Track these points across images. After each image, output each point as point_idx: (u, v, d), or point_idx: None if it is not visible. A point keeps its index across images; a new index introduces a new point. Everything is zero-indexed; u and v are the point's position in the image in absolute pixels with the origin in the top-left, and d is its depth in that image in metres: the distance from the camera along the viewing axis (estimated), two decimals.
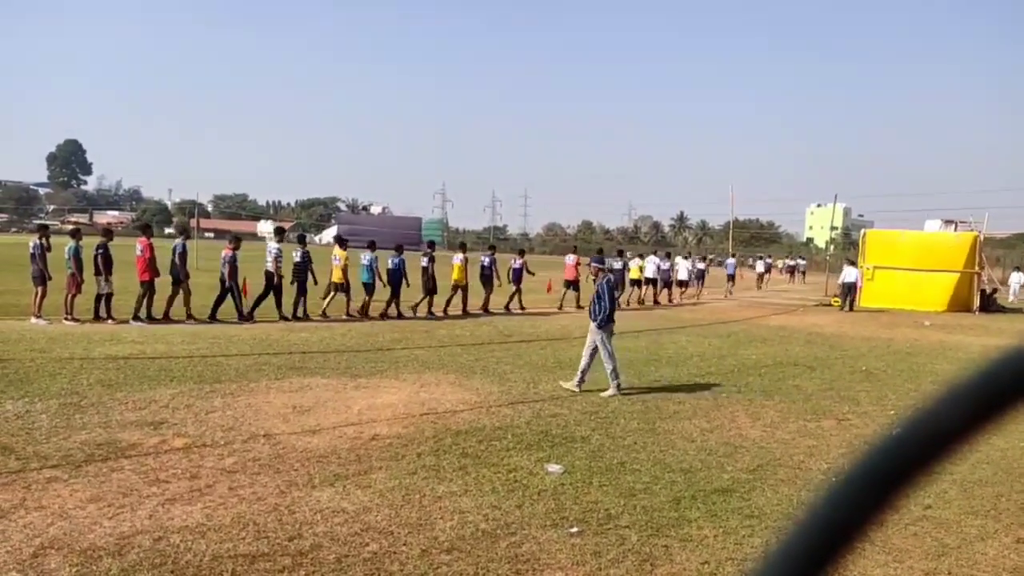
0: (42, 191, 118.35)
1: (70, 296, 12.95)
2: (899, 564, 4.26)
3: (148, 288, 13.44)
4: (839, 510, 0.39)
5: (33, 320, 12.63)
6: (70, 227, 14.02)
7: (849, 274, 24.61)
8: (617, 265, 20.98)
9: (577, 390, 8.65)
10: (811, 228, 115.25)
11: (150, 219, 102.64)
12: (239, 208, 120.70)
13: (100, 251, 13.14)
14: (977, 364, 0.37)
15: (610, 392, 8.54)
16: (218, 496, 4.90)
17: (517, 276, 18.83)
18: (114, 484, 5.04)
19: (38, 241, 13.09)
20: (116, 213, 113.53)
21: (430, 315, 16.60)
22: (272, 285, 14.68)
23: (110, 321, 13.06)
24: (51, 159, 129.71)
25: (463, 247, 18.00)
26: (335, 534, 4.37)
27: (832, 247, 51.55)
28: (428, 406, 7.75)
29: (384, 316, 15.80)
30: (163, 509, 4.63)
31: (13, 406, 6.92)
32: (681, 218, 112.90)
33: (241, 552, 4.07)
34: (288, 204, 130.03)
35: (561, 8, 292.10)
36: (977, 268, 25.06)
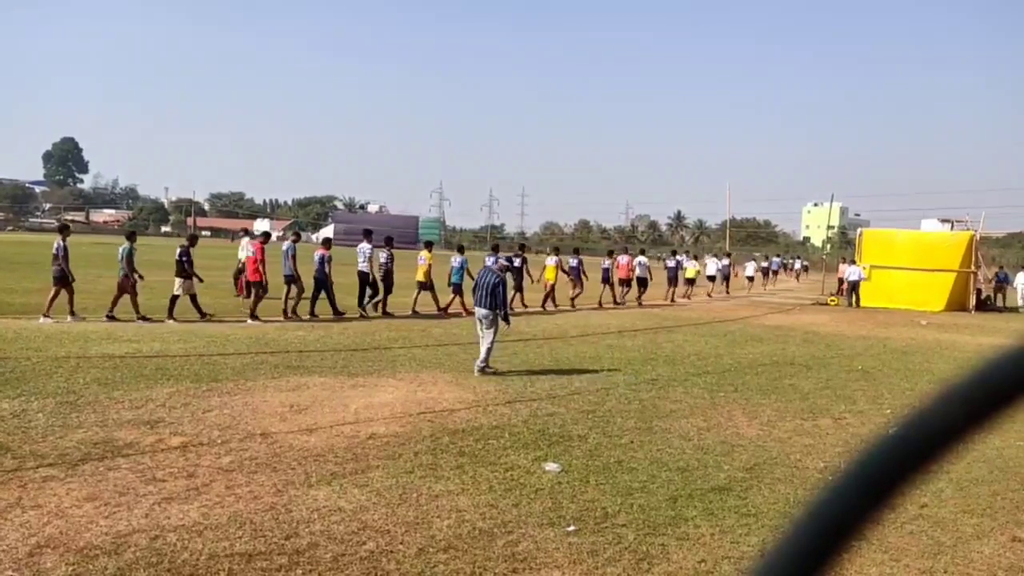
0: (38, 189, 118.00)
1: (132, 298, 13.07)
2: (895, 562, 4.27)
3: (259, 287, 14.02)
4: (836, 509, 0.39)
5: (41, 319, 12.39)
6: (125, 228, 14.69)
7: (852, 272, 25.00)
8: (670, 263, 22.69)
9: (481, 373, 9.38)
10: (808, 227, 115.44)
11: (154, 218, 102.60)
12: (236, 206, 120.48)
13: (185, 256, 13.62)
14: (973, 363, 0.37)
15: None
16: (215, 495, 4.89)
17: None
18: (110, 483, 5.03)
19: (61, 242, 13.08)
20: (113, 211, 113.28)
21: (385, 314, 15.71)
22: (366, 283, 15.69)
23: (170, 321, 13.13)
24: (47, 157, 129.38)
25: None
26: (332, 533, 4.37)
27: (829, 246, 51.77)
28: (425, 405, 7.75)
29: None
30: (160, 508, 4.62)
31: (9, 404, 6.91)
32: (678, 217, 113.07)
33: (238, 551, 4.06)
34: (285, 202, 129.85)
35: (558, 7, 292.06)
36: (973, 267, 25.13)
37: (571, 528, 4.58)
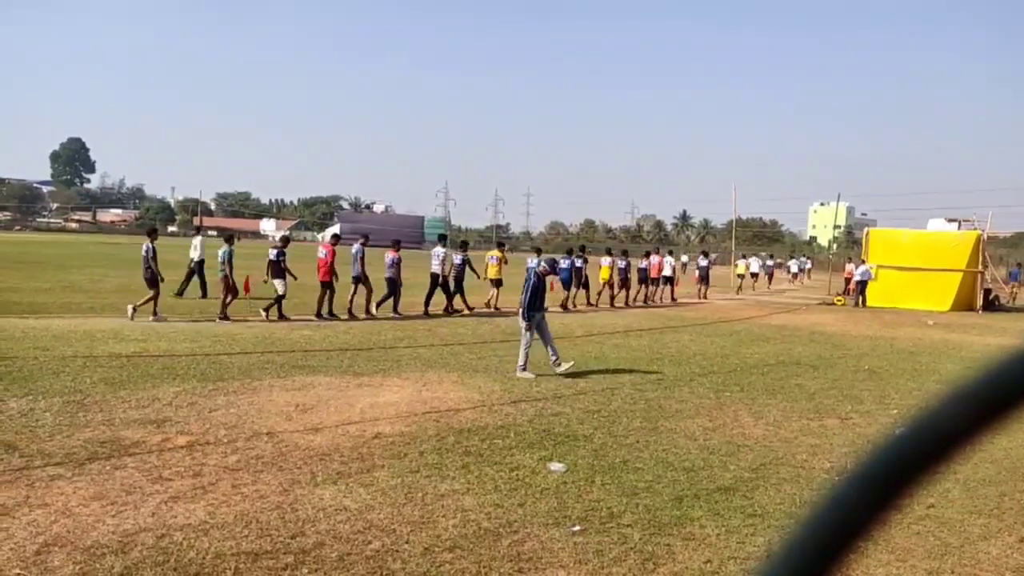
0: (45, 189, 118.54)
1: (228, 299, 13.57)
2: (902, 563, 4.25)
3: (328, 288, 14.53)
4: (842, 510, 0.39)
5: (151, 319, 12.89)
6: (227, 232, 15.89)
7: (860, 272, 25.02)
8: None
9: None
10: (814, 227, 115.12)
11: (153, 218, 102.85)
12: (242, 206, 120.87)
13: (281, 257, 14.21)
14: (981, 364, 0.37)
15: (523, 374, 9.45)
16: (221, 494, 4.91)
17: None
18: (117, 482, 5.05)
19: (151, 244, 13.45)
20: (119, 211, 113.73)
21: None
22: (436, 284, 16.59)
23: (282, 321, 13.82)
24: (54, 157, 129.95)
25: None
26: (337, 532, 4.38)
27: (835, 246, 51.50)
28: (431, 404, 7.75)
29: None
30: (166, 507, 4.64)
31: (17, 404, 6.94)
32: (684, 217, 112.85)
33: (244, 550, 4.07)
34: (291, 202, 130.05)
35: (563, 6, 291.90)
36: (981, 267, 25.02)
37: (576, 528, 4.58)
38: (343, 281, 15.05)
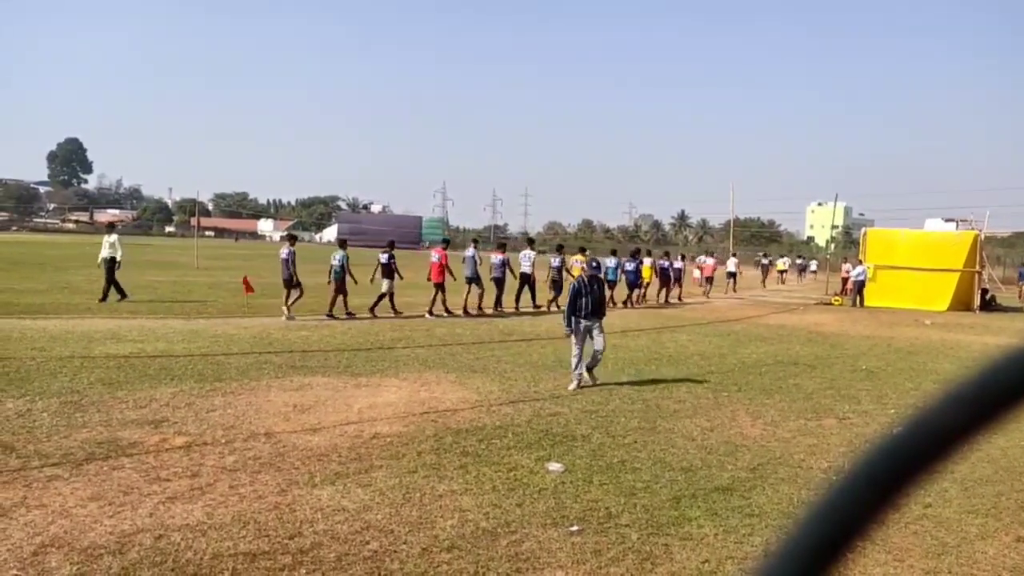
0: (43, 190, 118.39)
1: (341, 297, 14.86)
2: (900, 563, 4.26)
3: (440, 288, 16.20)
4: (840, 509, 0.39)
5: (284, 319, 13.96)
6: (341, 238, 17.04)
7: (859, 272, 25.02)
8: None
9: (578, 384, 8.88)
10: (812, 227, 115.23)
11: (157, 219, 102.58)
12: (239, 207, 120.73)
13: (391, 259, 15.73)
14: (979, 363, 0.37)
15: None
16: (219, 494, 4.90)
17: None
18: (115, 482, 5.04)
19: (291, 248, 14.73)
20: (117, 211, 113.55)
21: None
22: (526, 282, 18.16)
23: (397, 315, 15.47)
24: (52, 157, 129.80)
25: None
26: (335, 532, 4.37)
27: (833, 246, 51.54)
28: (428, 405, 7.75)
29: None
30: (164, 507, 4.63)
31: (14, 404, 6.93)
32: (682, 217, 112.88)
33: (242, 550, 4.07)
34: (288, 203, 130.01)
35: (561, 6, 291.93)
36: (978, 267, 25.06)
37: (574, 528, 4.58)
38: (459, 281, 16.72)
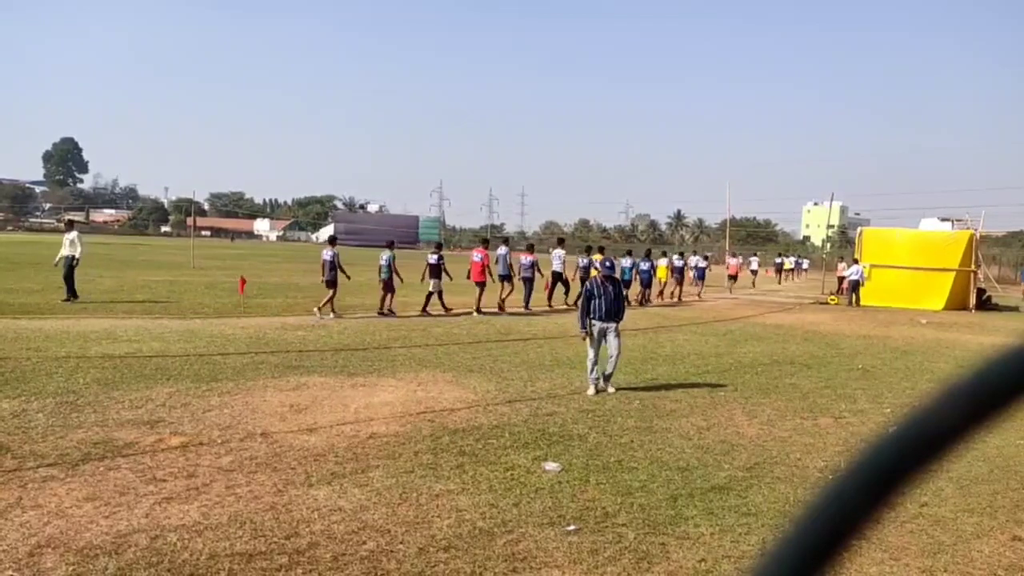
0: (38, 189, 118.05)
1: (390, 296, 15.65)
2: (895, 562, 4.27)
3: (482, 287, 16.99)
4: (836, 508, 0.39)
5: (322, 317, 14.41)
6: (386, 241, 17.03)
7: (854, 271, 25.05)
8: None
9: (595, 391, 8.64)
10: (807, 226, 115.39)
11: (153, 218, 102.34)
12: (235, 206, 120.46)
13: (441, 260, 16.52)
14: (974, 362, 0.37)
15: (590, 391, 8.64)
16: (215, 495, 4.89)
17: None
18: (111, 483, 5.03)
19: (334, 250, 15.16)
20: (113, 211, 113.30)
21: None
22: (559, 280, 19.12)
23: (445, 311, 16.30)
24: (47, 157, 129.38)
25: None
26: (332, 532, 4.37)
27: (828, 245, 51.74)
28: (425, 404, 7.74)
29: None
30: (160, 508, 4.62)
31: (9, 404, 6.91)
32: (678, 216, 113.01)
33: (238, 550, 4.06)
34: (285, 202, 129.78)
35: (557, 6, 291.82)
36: (973, 266, 25.12)
37: (571, 527, 4.58)
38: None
